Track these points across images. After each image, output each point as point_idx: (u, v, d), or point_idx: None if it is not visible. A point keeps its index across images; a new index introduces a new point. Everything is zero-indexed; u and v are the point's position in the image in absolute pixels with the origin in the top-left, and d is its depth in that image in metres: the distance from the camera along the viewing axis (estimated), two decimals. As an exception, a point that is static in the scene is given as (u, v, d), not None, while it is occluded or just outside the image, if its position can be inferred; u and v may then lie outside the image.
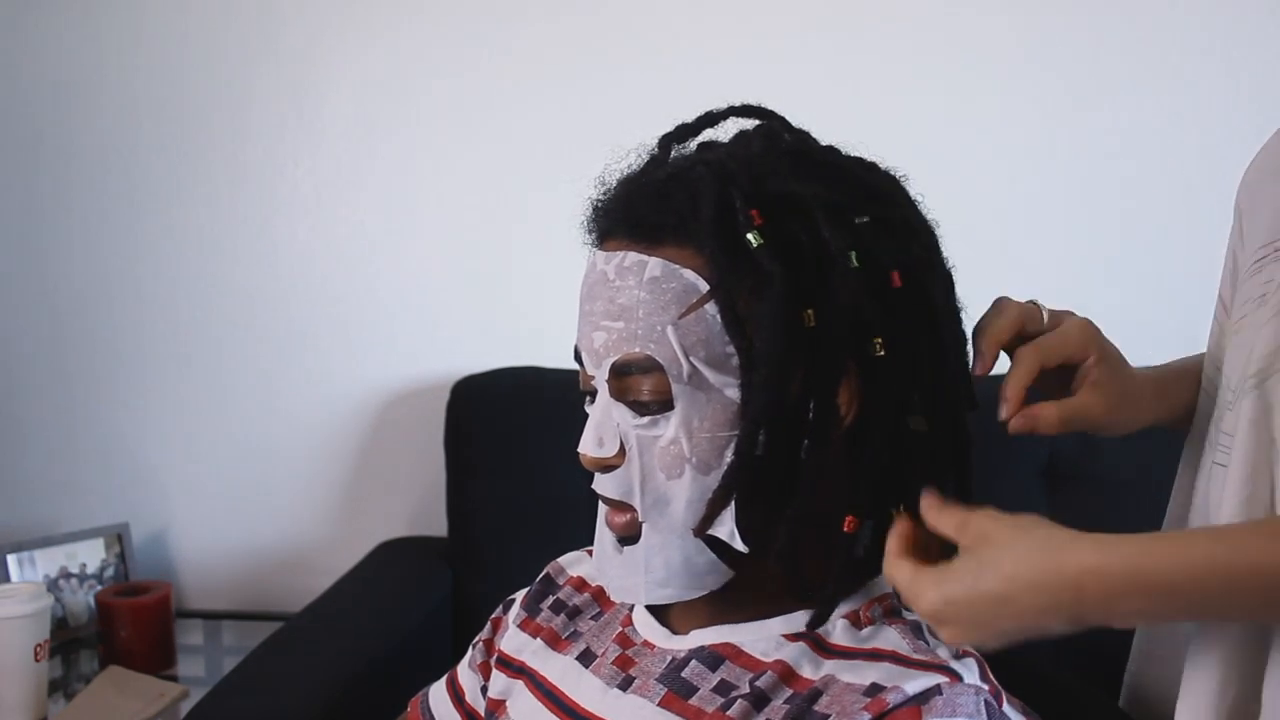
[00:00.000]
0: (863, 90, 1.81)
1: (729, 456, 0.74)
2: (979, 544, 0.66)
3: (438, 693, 0.99)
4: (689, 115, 0.81)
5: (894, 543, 0.72)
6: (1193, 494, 0.79)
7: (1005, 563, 0.64)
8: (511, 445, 1.83)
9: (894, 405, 0.74)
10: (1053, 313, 0.83)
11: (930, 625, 0.69)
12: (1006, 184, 1.81)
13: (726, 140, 0.81)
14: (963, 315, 0.79)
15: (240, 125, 1.96)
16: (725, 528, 0.75)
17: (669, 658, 0.79)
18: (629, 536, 0.77)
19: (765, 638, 0.76)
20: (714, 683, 0.76)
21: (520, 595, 0.96)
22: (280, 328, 1.99)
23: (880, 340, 0.73)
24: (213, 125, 1.97)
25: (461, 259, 1.95)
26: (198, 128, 1.97)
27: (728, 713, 0.73)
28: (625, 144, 0.82)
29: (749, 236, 0.72)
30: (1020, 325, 0.80)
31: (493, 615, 0.98)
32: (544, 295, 1.87)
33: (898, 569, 0.70)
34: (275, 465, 2.01)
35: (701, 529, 0.74)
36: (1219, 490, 0.71)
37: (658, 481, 0.75)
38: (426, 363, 1.97)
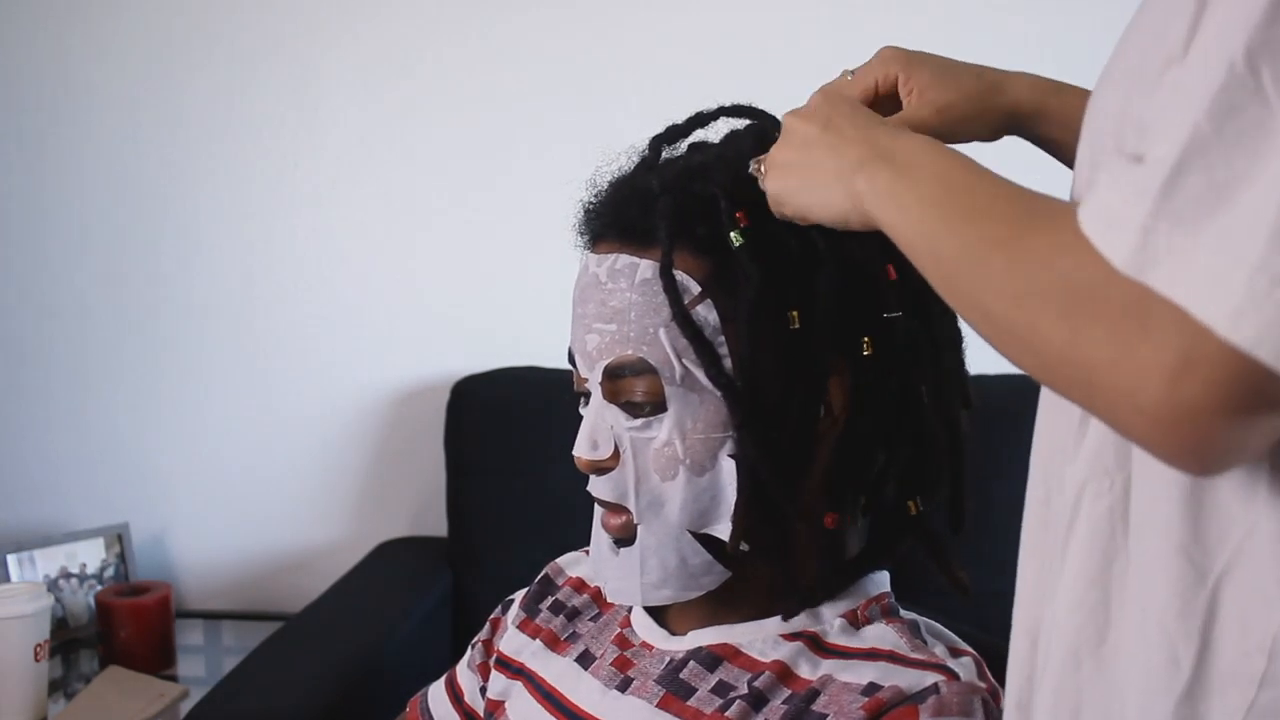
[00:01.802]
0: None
1: (723, 457, 0.74)
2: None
3: (436, 693, 0.99)
4: (681, 116, 0.81)
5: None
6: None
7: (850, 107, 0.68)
8: (511, 445, 1.84)
9: (887, 404, 0.74)
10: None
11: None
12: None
13: (717, 141, 0.81)
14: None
15: (240, 125, 1.96)
16: (725, 527, 0.75)
17: (667, 659, 0.79)
18: (625, 538, 0.77)
19: (763, 638, 0.76)
20: (712, 683, 0.76)
21: (519, 596, 0.96)
22: (280, 328, 1.99)
23: (869, 339, 0.73)
24: (213, 126, 1.97)
25: (462, 259, 1.95)
26: (198, 128, 1.97)
27: (726, 713, 0.73)
28: (621, 145, 0.82)
29: (731, 236, 0.72)
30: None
31: (491, 616, 0.98)
32: (544, 295, 1.86)
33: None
34: (275, 465, 2.01)
35: (734, 544, 0.74)
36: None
37: (652, 483, 0.75)
38: (426, 363, 1.97)
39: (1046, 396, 0.61)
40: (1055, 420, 0.59)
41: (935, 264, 0.56)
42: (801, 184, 0.68)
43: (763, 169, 0.72)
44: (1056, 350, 0.47)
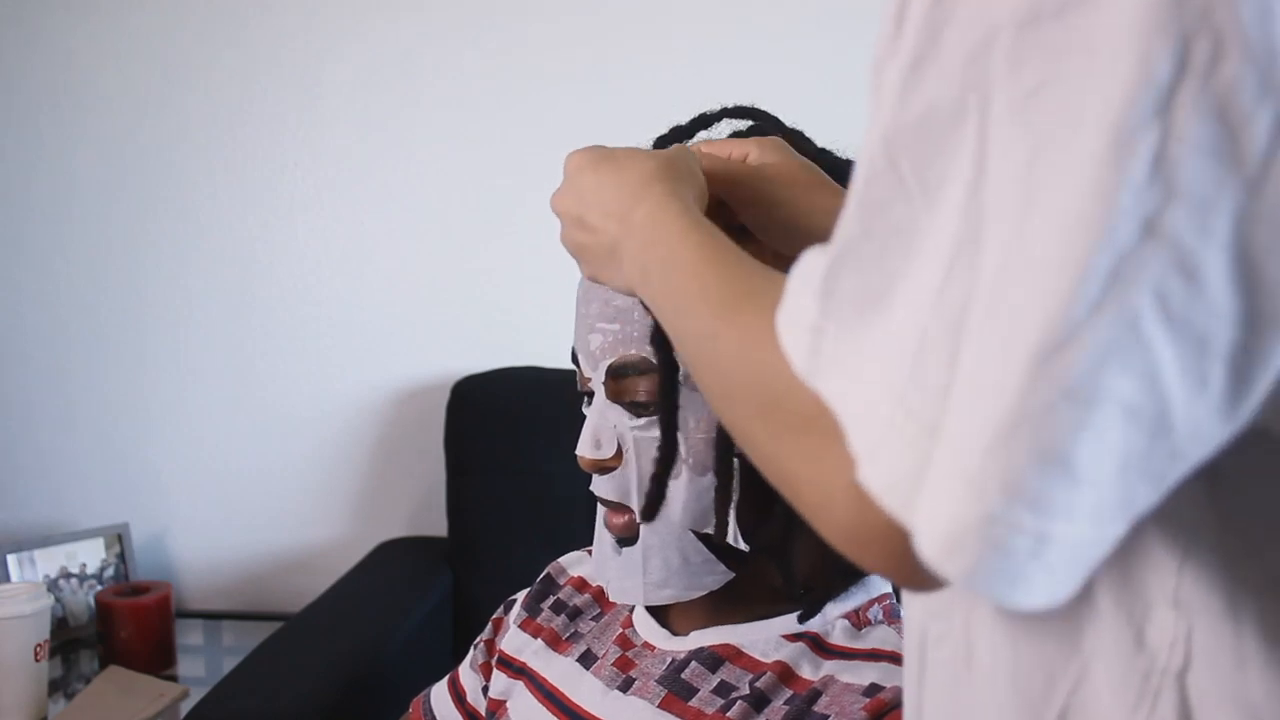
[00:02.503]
0: (857, 91, 1.81)
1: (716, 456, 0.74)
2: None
3: (439, 693, 0.99)
4: (684, 117, 0.81)
5: None
6: None
7: (634, 155, 0.65)
8: (511, 445, 1.83)
9: None
10: None
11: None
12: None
13: None
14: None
15: (240, 126, 1.96)
16: (720, 526, 0.75)
17: (669, 659, 0.79)
18: (627, 538, 0.77)
19: (765, 638, 0.76)
20: (714, 684, 0.76)
21: (521, 595, 0.96)
22: (280, 328, 1.99)
23: None
24: (213, 126, 1.97)
25: (462, 259, 1.95)
26: (198, 128, 1.97)
27: (727, 714, 0.73)
28: (623, 144, 0.81)
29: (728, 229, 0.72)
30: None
31: (494, 615, 0.98)
32: (544, 295, 1.87)
33: None
34: (275, 465, 2.01)
35: (720, 534, 0.74)
36: None
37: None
38: (426, 363, 1.97)
39: None
40: None
41: (684, 353, 0.54)
42: (599, 272, 0.66)
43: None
44: (762, 454, 0.45)
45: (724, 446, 0.73)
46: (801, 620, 0.76)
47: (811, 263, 0.43)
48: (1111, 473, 0.34)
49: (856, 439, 0.38)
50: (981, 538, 0.35)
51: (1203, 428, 0.35)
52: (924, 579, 0.39)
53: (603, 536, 0.80)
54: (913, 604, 0.51)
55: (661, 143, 0.80)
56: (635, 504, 0.76)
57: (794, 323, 0.42)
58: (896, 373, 0.37)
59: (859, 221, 0.40)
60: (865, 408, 0.38)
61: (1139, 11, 0.33)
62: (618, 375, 0.75)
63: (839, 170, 0.77)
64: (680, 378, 0.74)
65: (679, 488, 0.74)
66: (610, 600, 0.84)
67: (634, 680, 0.80)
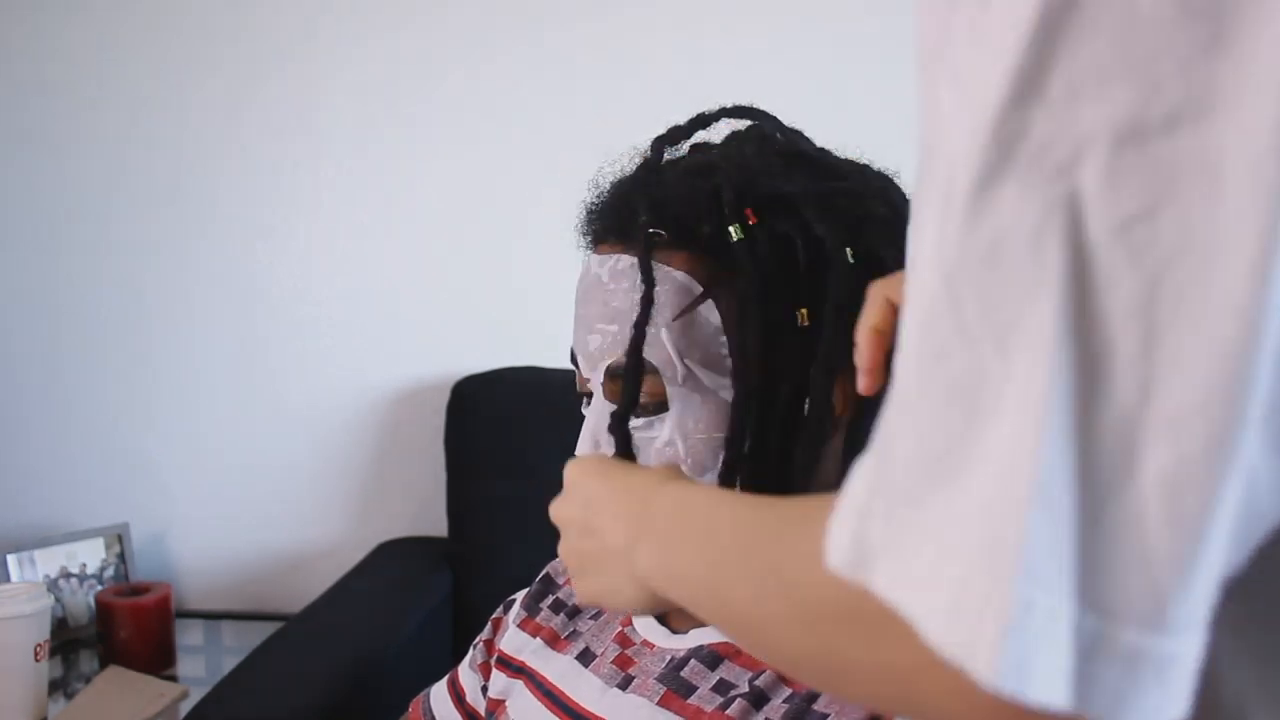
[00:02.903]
0: (856, 90, 1.81)
1: (724, 457, 0.74)
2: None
3: (439, 693, 0.99)
4: (683, 117, 0.81)
5: None
6: None
7: (637, 472, 0.64)
8: (511, 445, 1.84)
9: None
10: None
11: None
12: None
13: (719, 142, 0.81)
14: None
15: (241, 125, 1.96)
16: None
17: (668, 657, 0.79)
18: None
19: (764, 637, 0.76)
20: (713, 681, 0.76)
21: (520, 595, 0.97)
22: (280, 328, 1.99)
23: None
24: (213, 125, 1.97)
25: (462, 259, 1.95)
26: (198, 128, 1.97)
27: (727, 711, 0.73)
28: (624, 146, 0.82)
29: (730, 230, 0.72)
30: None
31: (493, 615, 0.99)
32: (544, 295, 1.87)
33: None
34: (275, 465, 2.01)
35: None
36: None
37: None
38: (426, 363, 1.97)
39: None
40: None
41: (732, 622, 0.49)
42: (600, 588, 0.64)
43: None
44: (821, 679, 0.43)
45: (732, 448, 0.73)
46: None
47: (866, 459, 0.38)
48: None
49: (951, 635, 0.33)
50: (1132, 670, 0.32)
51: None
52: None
53: (603, 536, 0.80)
54: None
55: (660, 143, 0.80)
56: None
57: (839, 516, 0.37)
58: (995, 555, 0.32)
59: (919, 377, 0.35)
60: (952, 599, 0.33)
61: (1270, 135, 0.29)
62: (616, 376, 0.75)
63: (837, 170, 0.77)
64: (679, 379, 0.74)
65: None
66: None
67: (633, 678, 0.80)
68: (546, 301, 1.79)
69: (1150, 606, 0.32)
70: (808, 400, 0.73)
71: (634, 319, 0.74)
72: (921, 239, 0.35)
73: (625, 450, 0.74)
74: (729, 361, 0.73)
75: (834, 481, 0.75)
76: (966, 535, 0.33)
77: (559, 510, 0.68)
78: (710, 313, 0.74)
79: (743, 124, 0.81)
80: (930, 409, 0.34)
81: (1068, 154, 0.32)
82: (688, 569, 0.52)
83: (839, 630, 0.38)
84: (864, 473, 0.37)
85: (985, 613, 0.32)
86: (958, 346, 0.33)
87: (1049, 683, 0.32)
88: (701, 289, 0.74)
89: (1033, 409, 0.32)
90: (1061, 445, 0.32)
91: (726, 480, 0.73)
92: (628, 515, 0.60)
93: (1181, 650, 0.32)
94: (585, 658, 0.84)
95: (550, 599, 0.93)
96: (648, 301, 0.73)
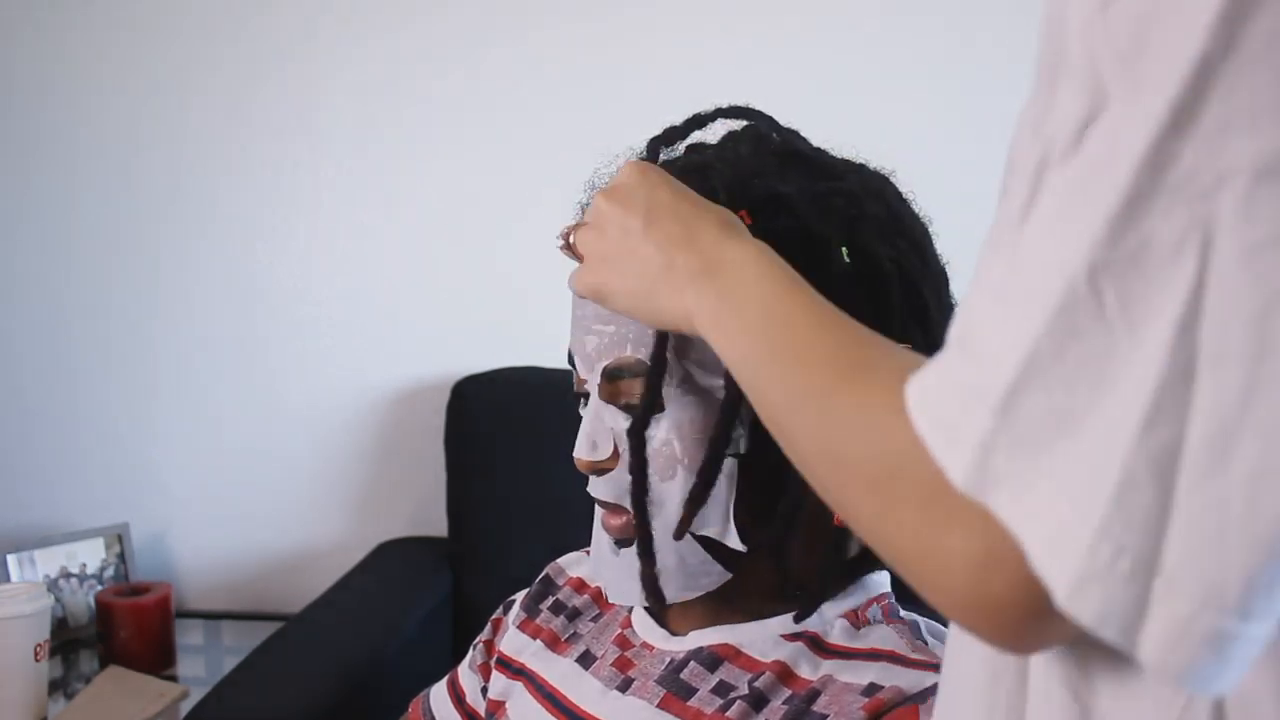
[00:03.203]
0: (853, 89, 1.81)
1: (705, 456, 0.74)
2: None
3: (439, 694, 0.99)
4: (680, 117, 0.81)
5: None
6: None
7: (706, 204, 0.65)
8: (511, 445, 1.84)
9: None
10: None
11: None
12: (999, 182, 1.81)
13: (715, 142, 0.81)
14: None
15: (241, 125, 1.96)
16: (718, 527, 0.75)
17: (668, 659, 0.79)
18: (625, 539, 0.77)
19: (763, 638, 0.76)
20: (713, 684, 0.76)
21: (520, 596, 0.96)
22: (280, 328, 1.99)
23: None
24: (213, 125, 1.97)
25: (462, 259, 1.95)
26: (198, 128, 1.97)
27: (726, 714, 0.72)
28: (621, 146, 0.82)
29: None
30: None
31: (493, 616, 0.98)
32: (544, 295, 1.87)
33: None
34: (275, 465, 2.01)
35: (681, 531, 0.74)
36: None
37: (651, 484, 0.75)
38: (426, 363, 1.97)
39: None
40: None
41: (757, 399, 0.55)
42: (625, 288, 0.65)
43: (574, 247, 0.70)
44: (866, 521, 0.46)
45: (714, 448, 0.73)
46: (797, 620, 0.76)
47: (954, 364, 0.44)
48: None
49: (1050, 564, 0.39)
50: (1205, 646, 0.38)
51: None
52: (1034, 647, 0.44)
53: (600, 538, 0.80)
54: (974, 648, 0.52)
55: (656, 144, 0.80)
56: (631, 505, 0.76)
57: (950, 434, 0.42)
58: (1095, 504, 0.38)
59: (1051, 343, 0.40)
60: (1057, 533, 0.39)
61: None
62: (613, 377, 0.75)
63: (833, 170, 0.77)
64: (676, 379, 0.74)
65: (675, 489, 0.74)
66: (608, 601, 0.84)
67: (633, 680, 0.80)
68: (546, 301, 1.79)
69: (1220, 585, 0.37)
70: None
71: (631, 319, 0.74)
72: (1046, 231, 0.41)
73: (640, 454, 0.74)
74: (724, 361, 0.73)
75: None
76: (1076, 482, 0.39)
77: (610, 203, 0.66)
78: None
79: (739, 124, 0.81)
80: (1062, 374, 0.39)
81: (1211, 182, 0.37)
82: (738, 334, 0.57)
83: (907, 501, 0.44)
84: (972, 406, 0.41)
85: (1078, 551, 0.38)
86: (1094, 328, 0.39)
87: (1110, 619, 0.38)
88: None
89: (1147, 388, 0.38)
90: (1166, 422, 0.37)
91: (708, 478, 0.73)
92: (693, 245, 0.62)
93: (1247, 633, 0.37)
94: (585, 660, 0.84)
95: (550, 600, 0.92)
96: None
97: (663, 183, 0.66)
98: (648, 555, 0.75)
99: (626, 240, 0.65)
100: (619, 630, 0.85)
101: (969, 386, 0.42)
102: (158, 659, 1.72)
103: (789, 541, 0.74)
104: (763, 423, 0.55)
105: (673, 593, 0.76)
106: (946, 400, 0.43)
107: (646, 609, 0.83)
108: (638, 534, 0.74)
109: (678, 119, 0.81)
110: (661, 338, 0.73)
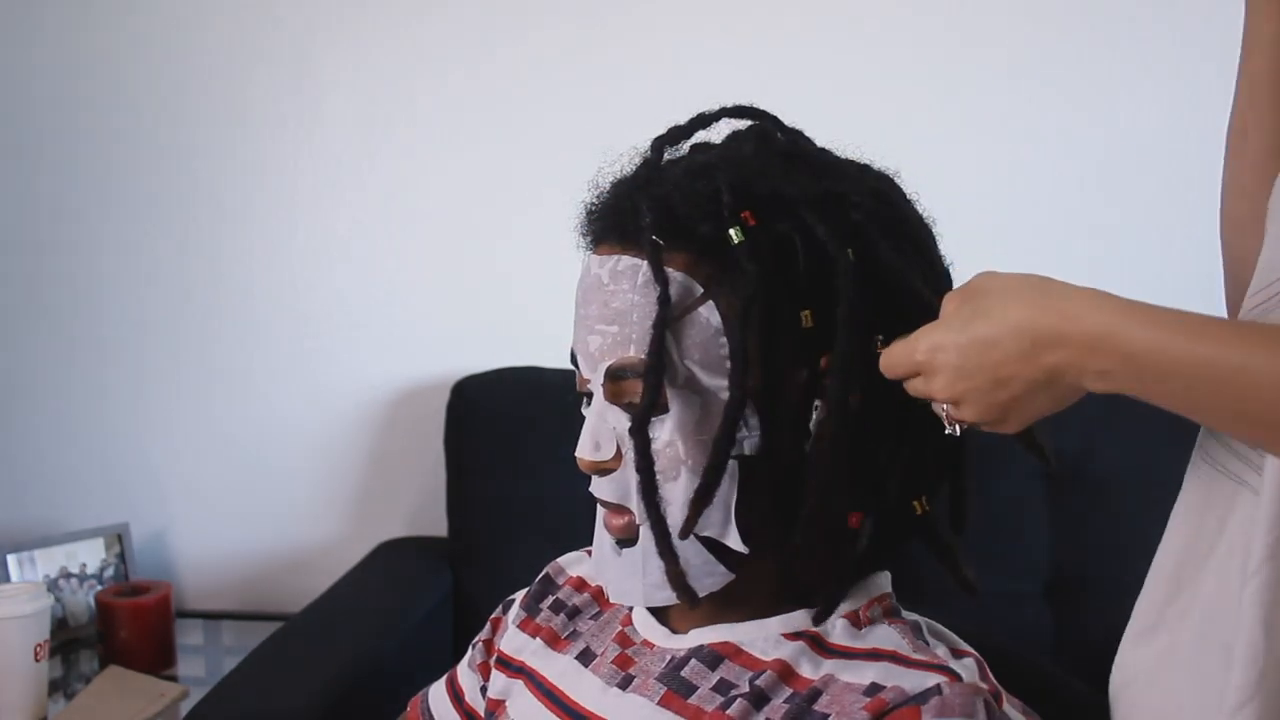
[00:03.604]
0: (856, 89, 1.81)
1: (709, 459, 0.74)
2: (972, 295, 0.66)
3: (437, 693, 0.99)
4: (683, 117, 0.81)
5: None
6: (1208, 494, 0.72)
7: (995, 307, 0.64)
8: (511, 445, 1.83)
9: (894, 403, 0.74)
10: None
11: (923, 372, 0.68)
12: (1003, 183, 1.81)
13: (719, 142, 0.81)
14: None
15: (240, 125, 1.96)
16: (720, 528, 0.75)
17: (668, 657, 0.79)
18: (627, 539, 0.77)
19: (764, 637, 0.76)
20: (713, 681, 0.76)
21: (520, 595, 0.97)
22: (280, 328, 1.99)
23: (881, 338, 0.73)
24: (213, 125, 1.97)
25: (462, 259, 1.95)
26: (198, 127, 1.97)
27: (727, 711, 0.73)
28: (624, 146, 0.81)
29: (730, 232, 0.72)
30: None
31: (492, 615, 0.98)
32: (544, 295, 1.87)
33: (891, 351, 0.70)
34: (275, 465, 2.01)
35: (685, 531, 0.74)
36: (1246, 514, 0.66)
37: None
38: (426, 363, 1.97)
39: None
40: None
41: (1255, 423, 0.57)
42: (1035, 414, 0.66)
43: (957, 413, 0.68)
44: None
45: (718, 450, 0.73)
46: (816, 621, 0.76)
47: None
48: None
49: None
50: None
51: None
52: None
53: (602, 538, 0.80)
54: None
55: (660, 143, 0.80)
56: (634, 505, 0.76)
57: None
58: None
59: None
60: None
61: None
62: (616, 377, 0.75)
63: (838, 170, 0.77)
64: (679, 380, 0.74)
65: (678, 490, 0.74)
66: (610, 601, 0.84)
67: (633, 678, 0.80)
68: (547, 301, 1.79)
69: None
70: (817, 404, 0.73)
71: (634, 319, 0.74)
72: None
73: (646, 452, 0.74)
74: (728, 363, 0.73)
75: (845, 489, 0.75)
76: None
77: (948, 391, 0.66)
78: (711, 314, 0.73)
79: (743, 124, 0.81)
80: None
81: None
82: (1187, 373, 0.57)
83: None
84: None
85: None
86: None
87: None
88: (701, 290, 0.74)
89: None
90: None
91: (712, 479, 0.73)
92: (1043, 344, 0.61)
93: None
94: (585, 657, 0.84)
95: (550, 599, 0.92)
96: (665, 302, 0.73)
97: (951, 339, 0.65)
98: (669, 554, 0.74)
99: (1001, 393, 0.64)
100: (619, 628, 0.85)
101: None
102: (158, 659, 1.72)
103: (803, 544, 0.74)
104: (1241, 435, 0.59)
105: (676, 593, 0.76)
106: None
107: (648, 607, 0.83)
108: (655, 533, 0.74)
109: (679, 119, 0.81)
110: (660, 338, 0.72)
